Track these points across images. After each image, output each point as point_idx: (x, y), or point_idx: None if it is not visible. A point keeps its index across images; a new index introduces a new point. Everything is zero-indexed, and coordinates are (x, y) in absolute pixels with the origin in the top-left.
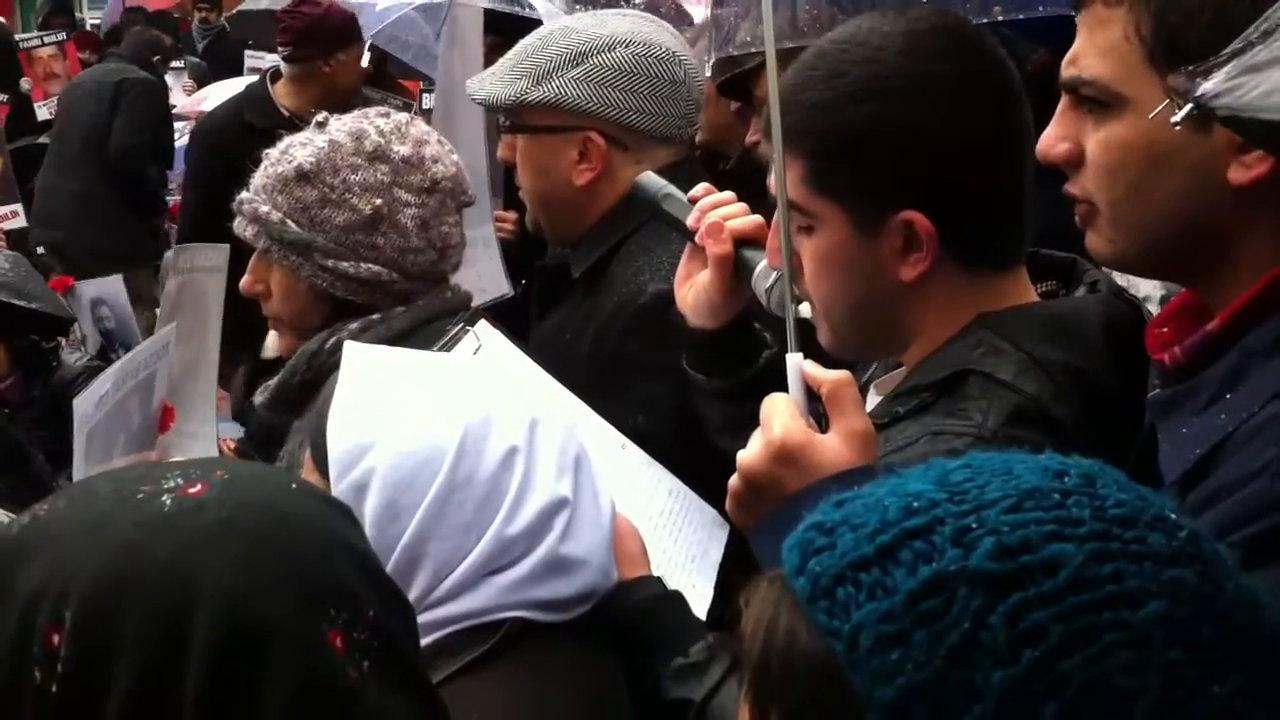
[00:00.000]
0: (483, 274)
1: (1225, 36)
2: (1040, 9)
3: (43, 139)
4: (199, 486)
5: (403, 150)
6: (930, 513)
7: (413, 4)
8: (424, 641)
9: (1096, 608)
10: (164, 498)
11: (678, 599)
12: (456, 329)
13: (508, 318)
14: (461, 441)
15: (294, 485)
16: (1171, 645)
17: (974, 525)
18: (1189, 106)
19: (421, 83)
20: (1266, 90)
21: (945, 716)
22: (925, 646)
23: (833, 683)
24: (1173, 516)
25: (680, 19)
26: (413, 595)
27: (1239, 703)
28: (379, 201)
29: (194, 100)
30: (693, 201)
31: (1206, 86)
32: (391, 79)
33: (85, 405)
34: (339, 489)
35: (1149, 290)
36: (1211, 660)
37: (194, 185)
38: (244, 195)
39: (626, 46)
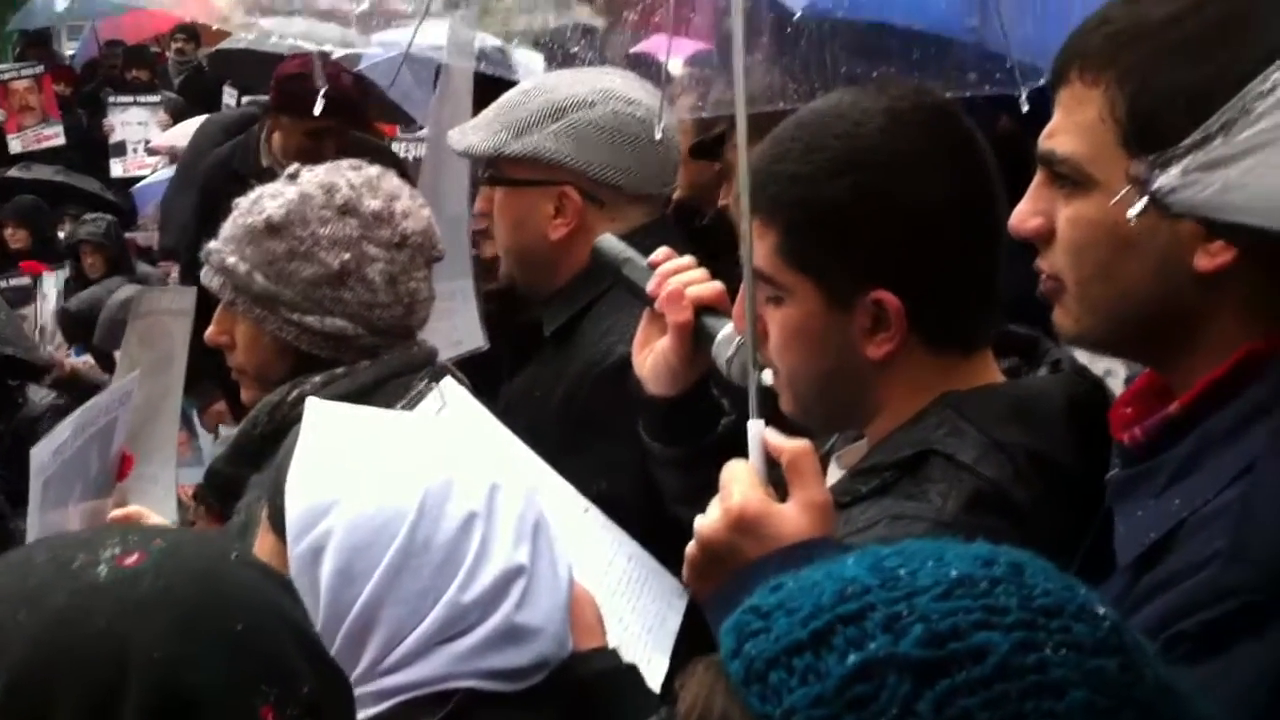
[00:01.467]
0: (459, 326)
1: (1198, 122)
2: (987, 89)
3: (13, 171)
4: (136, 556)
5: (374, 204)
6: (863, 598)
7: (401, 56)
8: (373, 711)
9: (1021, 696)
10: (100, 567)
11: (632, 672)
12: (421, 385)
13: (481, 371)
14: (420, 505)
15: (234, 555)
16: None
17: (905, 612)
18: (1144, 200)
19: (399, 128)
20: (1220, 189)
21: None
22: None
23: None
24: (1097, 607)
25: (661, 77)
26: (364, 662)
27: None
28: (347, 256)
29: (169, 136)
30: (653, 266)
31: (1162, 181)
32: (370, 125)
33: (42, 454)
34: (296, 550)
35: (1111, 365)
36: None
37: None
38: (212, 245)
39: (607, 103)
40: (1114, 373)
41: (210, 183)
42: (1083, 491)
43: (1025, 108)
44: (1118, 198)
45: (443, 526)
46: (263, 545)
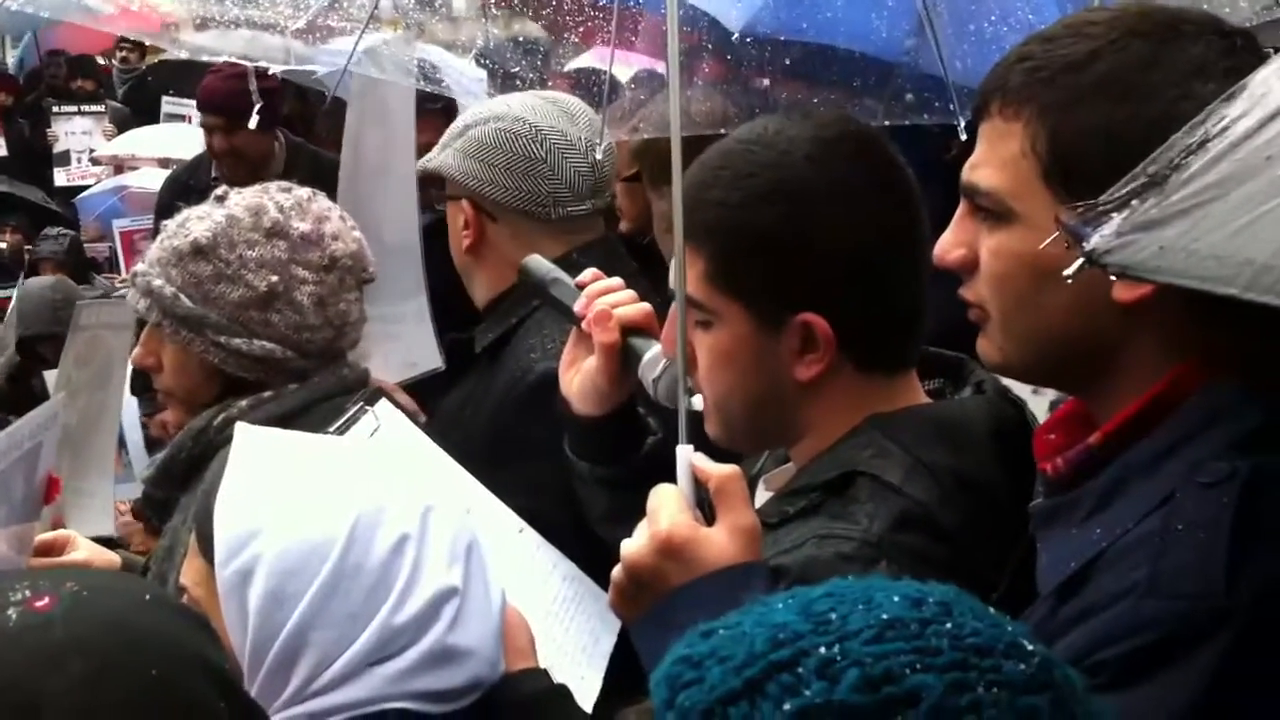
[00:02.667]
0: (413, 347)
1: (1117, 160)
2: (925, 117)
3: None
4: (46, 600)
5: (302, 227)
6: (796, 644)
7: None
8: None
9: None
10: (9, 611)
11: (563, 694)
12: (355, 409)
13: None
14: (352, 529)
15: (148, 597)
16: None
17: (838, 657)
18: (1080, 260)
19: None
20: (1156, 251)
21: None
22: None
23: None
24: (1026, 644)
25: (614, 91)
26: (294, 684)
27: None
28: (275, 278)
29: (113, 146)
30: (580, 287)
31: (1097, 241)
32: (319, 137)
33: None
34: (224, 574)
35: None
36: None
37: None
38: (138, 267)
39: (498, 121)
40: (1042, 391)
41: (164, 198)
42: (1007, 513)
43: (964, 136)
44: (1046, 243)
45: (374, 549)
46: (190, 569)
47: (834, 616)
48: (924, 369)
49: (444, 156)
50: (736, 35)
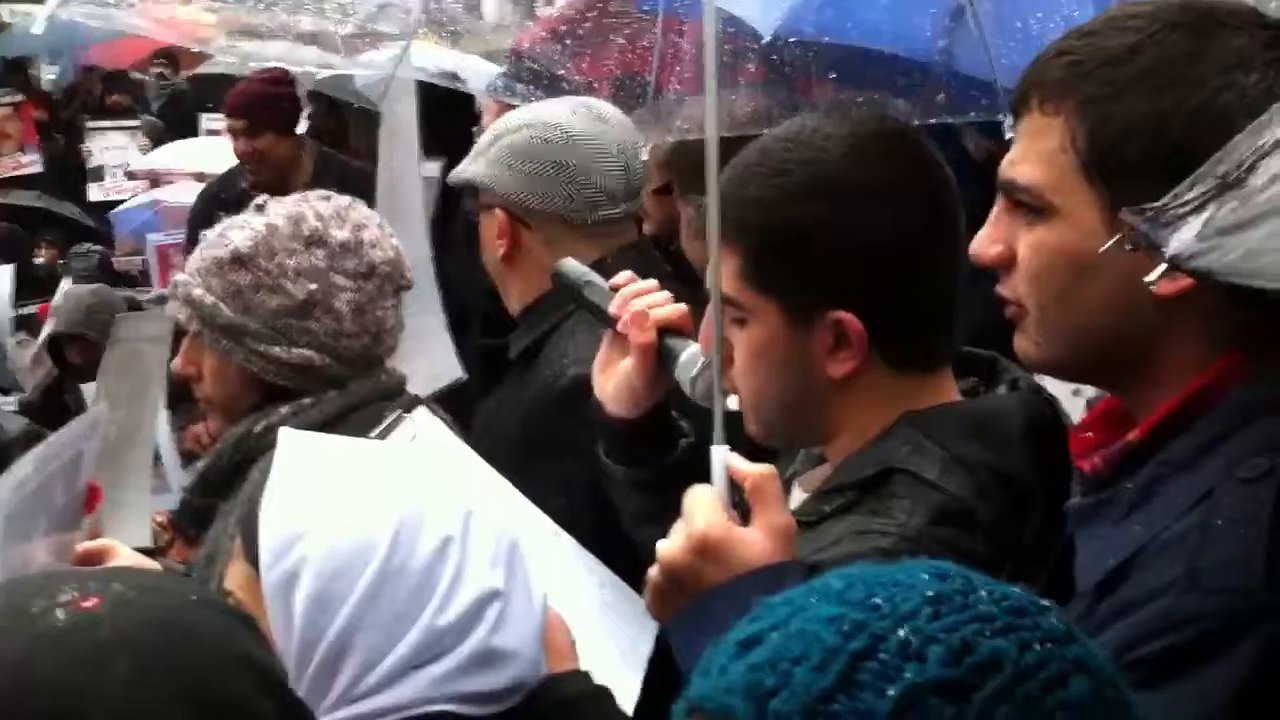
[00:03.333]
0: (435, 360)
1: (1158, 154)
2: (973, 115)
3: None
4: (93, 601)
5: (340, 235)
6: (866, 632)
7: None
8: None
9: (1042, 693)
10: (57, 611)
11: (605, 695)
12: (393, 416)
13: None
14: (396, 531)
15: (193, 597)
16: (1101, 713)
17: (912, 638)
18: (1164, 266)
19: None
20: (1243, 255)
21: None
22: None
23: None
24: (1041, 601)
25: (657, 93)
26: (339, 687)
27: None
28: (313, 287)
29: (148, 160)
30: (614, 289)
31: (1178, 246)
32: (350, 148)
33: (2, 490)
34: (269, 578)
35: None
36: (1127, 712)
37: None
38: (179, 277)
39: (530, 129)
40: (1082, 390)
41: (198, 211)
42: (1041, 509)
43: (1009, 135)
44: (1105, 247)
45: (418, 551)
46: (235, 574)
47: (880, 601)
48: (957, 368)
49: (476, 166)
50: (767, 38)
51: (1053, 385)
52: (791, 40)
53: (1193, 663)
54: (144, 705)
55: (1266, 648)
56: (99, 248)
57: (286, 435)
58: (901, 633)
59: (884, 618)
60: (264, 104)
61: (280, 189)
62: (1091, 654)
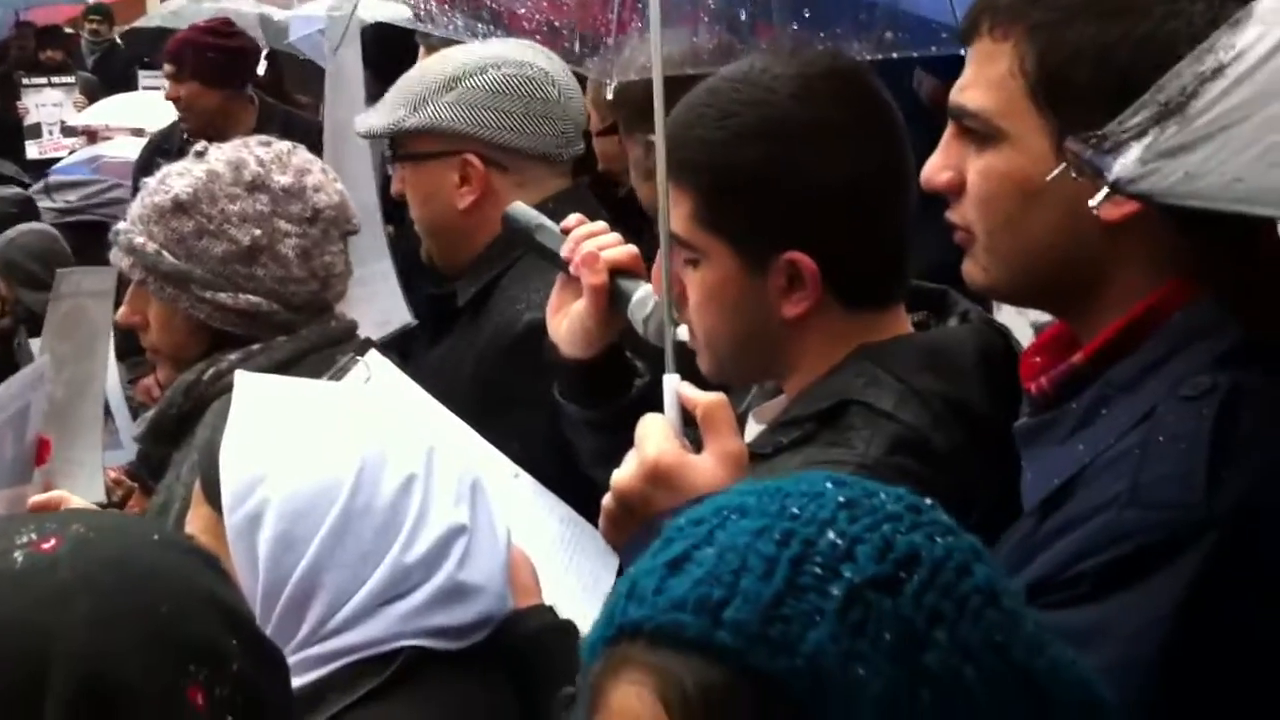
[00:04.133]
0: (385, 307)
1: (1105, 79)
2: (933, 49)
3: None
4: (52, 542)
5: (283, 180)
6: (798, 539)
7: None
8: (319, 673)
9: (955, 580)
10: (15, 554)
11: (570, 628)
12: (346, 359)
13: (395, 344)
14: (359, 470)
15: (155, 537)
16: (1002, 595)
17: (838, 540)
18: (1106, 190)
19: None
20: (1184, 177)
21: (903, 714)
22: (871, 655)
23: (785, 715)
24: (924, 499)
25: (584, 45)
26: (307, 626)
27: (1045, 634)
28: (258, 232)
29: (85, 116)
30: (565, 232)
31: (1120, 170)
32: (288, 94)
33: None
34: (233, 520)
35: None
36: (1019, 599)
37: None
38: (120, 226)
39: (498, 68)
40: (1025, 312)
41: (141, 162)
42: (995, 438)
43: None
44: (1053, 174)
45: (382, 489)
46: (197, 518)
47: (797, 510)
48: (908, 302)
49: (435, 110)
50: None
51: (1007, 318)
52: None
53: (1135, 575)
54: (108, 645)
55: (1208, 560)
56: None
57: (243, 378)
58: (830, 536)
59: (807, 524)
60: (193, 52)
61: (219, 140)
62: (978, 543)
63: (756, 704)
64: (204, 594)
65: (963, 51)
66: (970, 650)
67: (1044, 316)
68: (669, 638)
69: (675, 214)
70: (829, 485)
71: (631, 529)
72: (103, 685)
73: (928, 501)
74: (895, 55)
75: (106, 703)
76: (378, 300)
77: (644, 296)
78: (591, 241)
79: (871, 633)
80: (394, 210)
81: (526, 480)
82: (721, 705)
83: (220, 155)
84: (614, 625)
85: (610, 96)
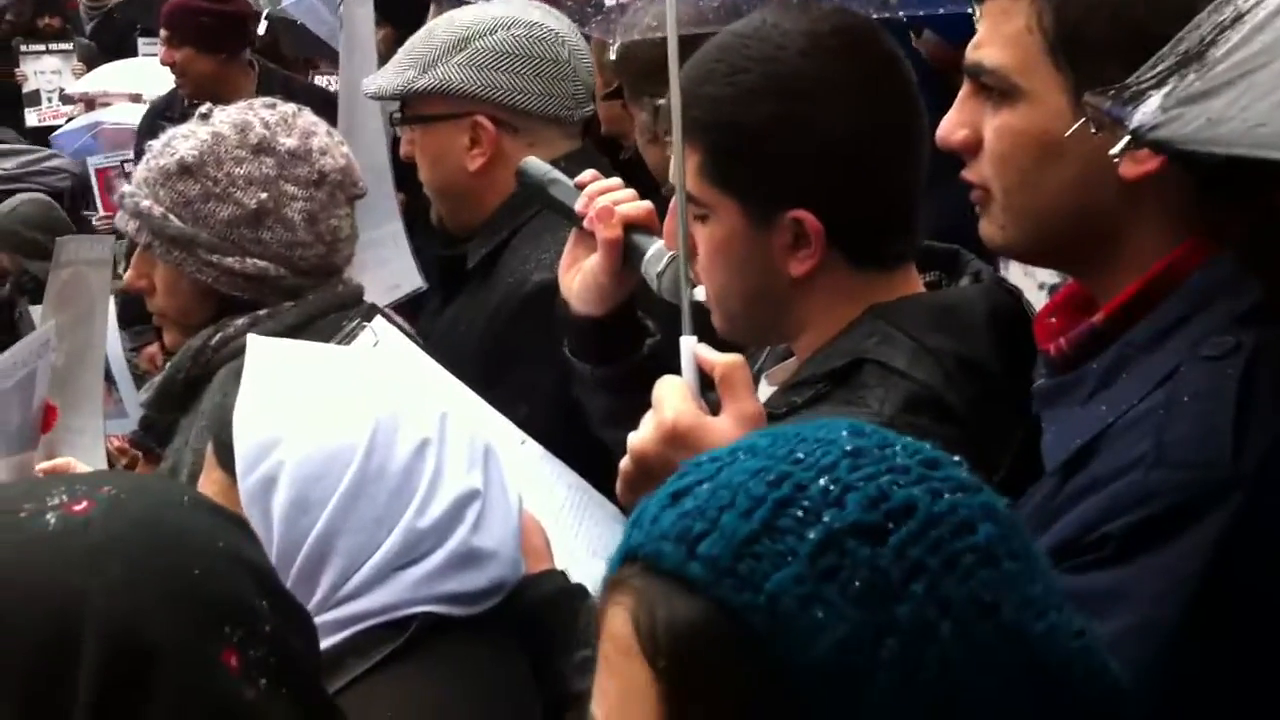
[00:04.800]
0: (394, 270)
1: (1122, 33)
2: (940, 9)
3: None
4: (84, 504)
5: (289, 143)
6: (789, 482)
7: None
8: (334, 639)
9: (951, 537)
10: (48, 515)
11: (581, 592)
12: (353, 325)
13: (404, 307)
14: (374, 434)
15: (185, 498)
16: (1005, 556)
17: (831, 486)
18: (1127, 139)
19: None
20: (1205, 123)
21: (864, 661)
22: (837, 600)
23: (744, 650)
24: (951, 455)
25: (587, 5)
26: (321, 591)
27: (1054, 599)
28: (264, 195)
29: (83, 83)
30: (579, 187)
31: (1141, 118)
32: (286, 59)
33: None
34: (247, 484)
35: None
36: (1031, 563)
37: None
38: (125, 189)
39: (509, 29)
40: (1032, 272)
41: (144, 127)
42: (1007, 395)
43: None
44: (1071, 130)
45: (396, 454)
46: (209, 481)
47: (802, 455)
48: (919, 262)
49: (445, 72)
50: None
51: (1014, 278)
52: None
53: (1161, 536)
54: (142, 608)
55: (1234, 520)
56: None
57: (255, 342)
58: (822, 481)
59: (806, 469)
60: (187, 17)
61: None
62: (998, 503)
63: (722, 637)
64: (233, 554)
65: (970, 10)
66: (950, 606)
67: (1053, 277)
68: (653, 566)
69: (686, 168)
70: (844, 433)
71: (649, 491)
72: (136, 648)
73: (952, 458)
74: (903, 15)
75: (141, 666)
76: (389, 264)
77: (658, 252)
78: (606, 196)
79: (842, 579)
80: (405, 175)
81: (534, 446)
82: (687, 634)
83: (225, 118)
84: (620, 551)
85: (613, 58)
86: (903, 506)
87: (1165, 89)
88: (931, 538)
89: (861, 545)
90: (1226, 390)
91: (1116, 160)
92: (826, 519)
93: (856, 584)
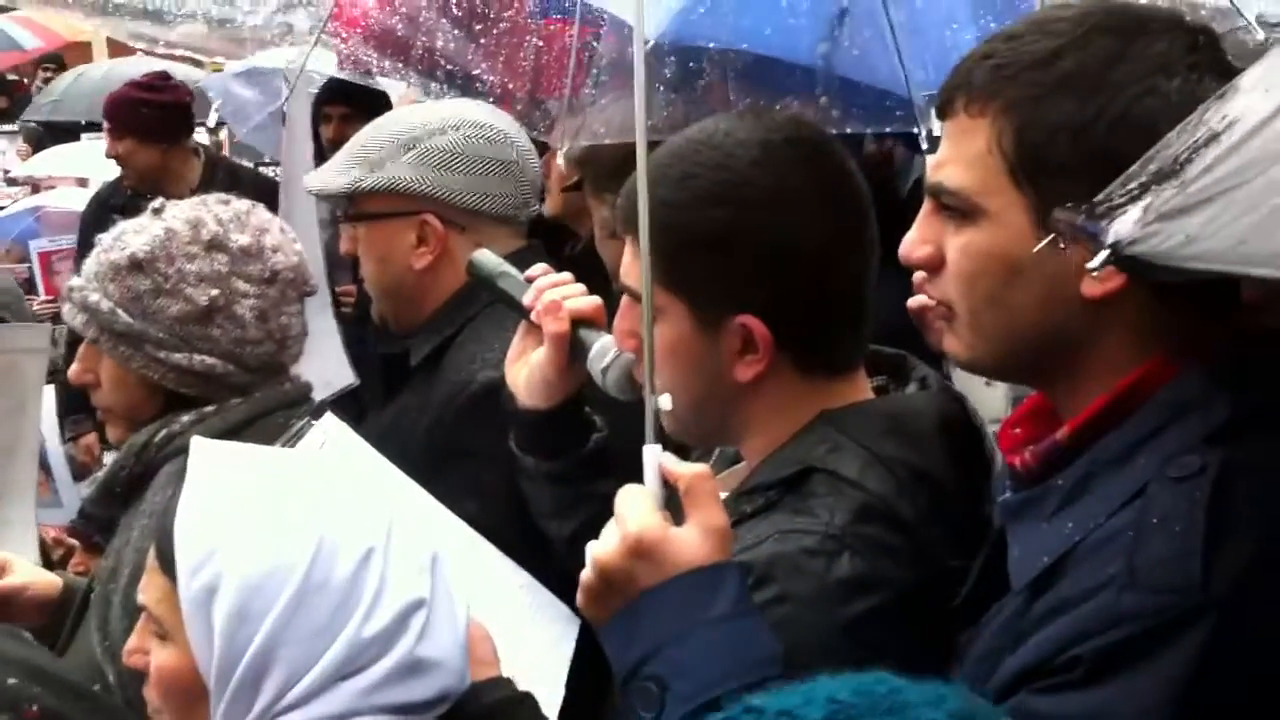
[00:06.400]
0: (326, 365)
1: (1083, 155)
2: (887, 129)
3: None
4: None
5: (242, 240)
6: None
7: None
8: None
9: None
10: None
11: (529, 700)
12: (301, 424)
13: (347, 403)
14: (318, 544)
15: None
16: None
17: None
18: (1105, 254)
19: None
20: (1184, 240)
21: None
22: None
23: None
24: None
25: (534, 109)
26: (262, 701)
27: None
28: (215, 292)
29: (29, 166)
30: (529, 280)
31: (1119, 233)
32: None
33: None
34: (187, 593)
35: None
36: None
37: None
38: (74, 282)
39: (457, 129)
40: (995, 384)
41: (89, 217)
42: (959, 504)
43: (925, 145)
44: (1039, 246)
45: (340, 563)
46: (151, 586)
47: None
48: (866, 367)
49: (395, 170)
50: (651, 42)
51: (964, 378)
52: (667, 42)
53: (1134, 659)
54: None
55: (1209, 642)
56: None
57: (199, 444)
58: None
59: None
60: (126, 108)
61: (159, 195)
62: None
63: None
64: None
65: (915, 130)
66: None
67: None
68: None
69: (632, 270)
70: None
71: (613, 604)
72: None
73: None
74: (849, 130)
75: None
76: (322, 358)
77: (603, 347)
78: (555, 290)
79: None
80: (355, 267)
81: (485, 545)
82: None
83: (178, 213)
84: None
85: (561, 161)
86: None
87: (1142, 203)
88: None
89: None
90: (1195, 514)
91: (1096, 276)
92: None
93: None
